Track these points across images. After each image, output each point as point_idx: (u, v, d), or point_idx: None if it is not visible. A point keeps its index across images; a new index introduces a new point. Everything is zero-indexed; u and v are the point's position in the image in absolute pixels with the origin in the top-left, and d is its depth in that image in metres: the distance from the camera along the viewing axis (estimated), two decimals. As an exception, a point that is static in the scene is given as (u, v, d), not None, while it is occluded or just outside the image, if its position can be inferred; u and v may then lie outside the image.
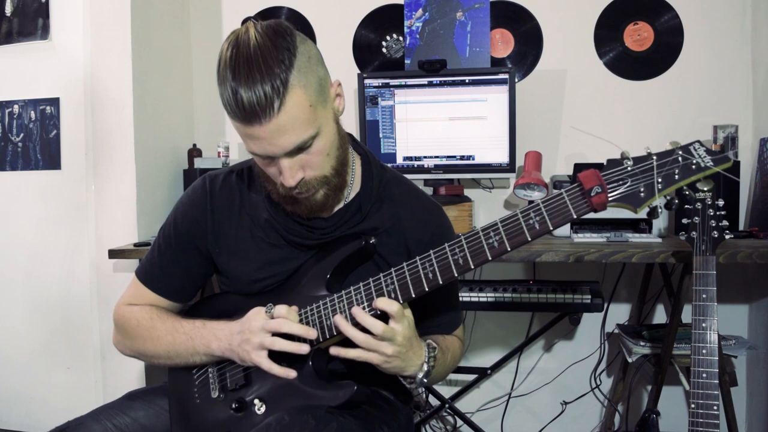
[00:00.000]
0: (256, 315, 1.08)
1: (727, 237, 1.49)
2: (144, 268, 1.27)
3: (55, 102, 2.36)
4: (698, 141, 0.95)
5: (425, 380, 1.10)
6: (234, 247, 1.20)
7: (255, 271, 1.19)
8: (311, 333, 1.06)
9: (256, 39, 0.97)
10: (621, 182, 0.94)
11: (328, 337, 1.09)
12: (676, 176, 0.93)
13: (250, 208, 1.20)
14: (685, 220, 1.51)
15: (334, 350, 1.04)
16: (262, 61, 0.95)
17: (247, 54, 0.96)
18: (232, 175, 1.24)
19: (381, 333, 1.01)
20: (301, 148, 1.01)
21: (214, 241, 1.21)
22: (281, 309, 1.07)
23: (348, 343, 1.05)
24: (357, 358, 1.03)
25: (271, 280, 1.19)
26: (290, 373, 1.07)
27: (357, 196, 1.17)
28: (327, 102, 1.04)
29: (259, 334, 1.06)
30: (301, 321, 1.10)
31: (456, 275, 1.02)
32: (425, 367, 1.09)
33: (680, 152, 0.93)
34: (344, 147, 1.11)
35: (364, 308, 1.05)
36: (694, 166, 0.93)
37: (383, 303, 1.02)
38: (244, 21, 1.02)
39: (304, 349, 1.05)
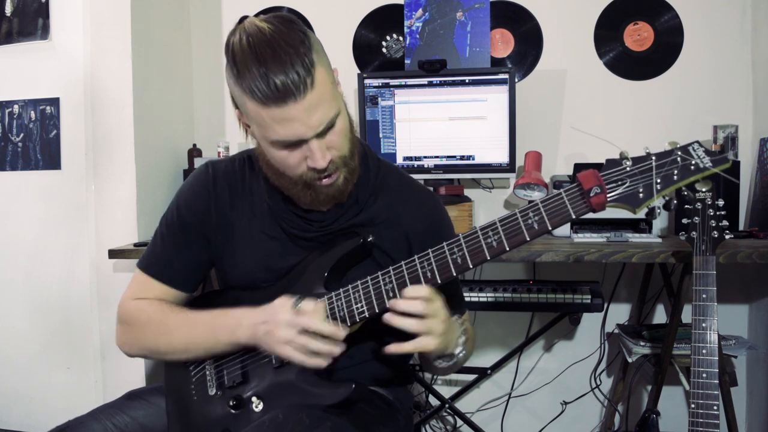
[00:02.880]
0: (282, 307, 1.05)
1: (727, 237, 1.49)
2: (147, 259, 1.24)
3: (55, 102, 2.36)
4: (697, 141, 0.95)
5: (462, 353, 1.09)
6: (233, 236, 1.20)
7: (252, 264, 1.19)
8: (340, 333, 1.04)
9: (268, 27, 0.98)
10: (620, 183, 0.94)
11: None
12: (675, 177, 0.93)
13: (250, 198, 1.20)
14: (685, 220, 1.51)
15: (394, 347, 1.02)
16: (284, 43, 0.96)
17: (266, 40, 0.96)
18: (234, 163, 1.23)
19: (428, 295, 1.00)
20: (328, 128, 1.02)
21: (217, 228, 1.20)
22: (309, 305, 1.05)
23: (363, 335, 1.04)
24: (415, 350, 1.02)
25: (267, 275, 1.19)
26: (322, 363, 1.05)
27: (354, 188, 1.17)
28: (336, 84, 1.06)
29: (286, 329, 1.03)
30: None
31: (455, 274, 1.02)
32: (461, 339, 1.09)
33: (679, 153, 0.93)
34: (354, 132, 1.13)
35: (364, 308, 1.05)
36: (693, 167, 0.93)
37: (413, 291, 1.01)
38: (241, 20, 1.02)
39: (336, 351, 1.04)
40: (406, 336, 1.28)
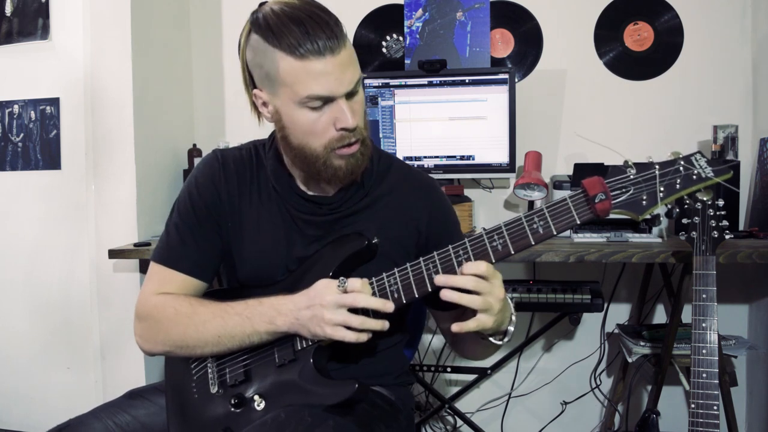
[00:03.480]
0: (327, 289, 1.05)
1: (727, 237, 1.49)
2: (163, 251, 1.21)
3: (55, 102, 2.36)
4: (699, 152, 0.97)
5: (512, 329, 1.09)
6: (242, 224, 1.20)
7: (260, 252, 1.19)
8: (388, 306, 1.03)
9: (296, 0, 1.06)
10: (624, 190, 0.96)
11: None
12: (678, 186, 0.95)
13: (257, 186, 1.21)
14: (685, 220, 1.51)
15: (456, 327, 1.01)
16: (316, 9, 1.05)
17: (299, 7, 1.05)
18: (241, 151, 1.25)
19: (485, 272, 0.99)
20: (354, 92, 1.09)
21: (227, 214, 1.21)
22: (356, 283, 1.05)
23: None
24: (476, 328, 1.01)
25: (275, 263, 1.19)
26: (385, 325, 1.04)
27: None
28: None
29: (335, 310, 1.03)
30: None
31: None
32: (513, 316, 1.09)
33: (682, 162, 0.95)
34: (367, 113, 1.17)
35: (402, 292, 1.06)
36: (695, 177, 0.95)
37: (472, 267, 1.00)
38: (260, 5, 1.09)
39: (386, 325, 1.04)
40: (401, 326, 1.30)
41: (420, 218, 1.22)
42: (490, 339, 1.09)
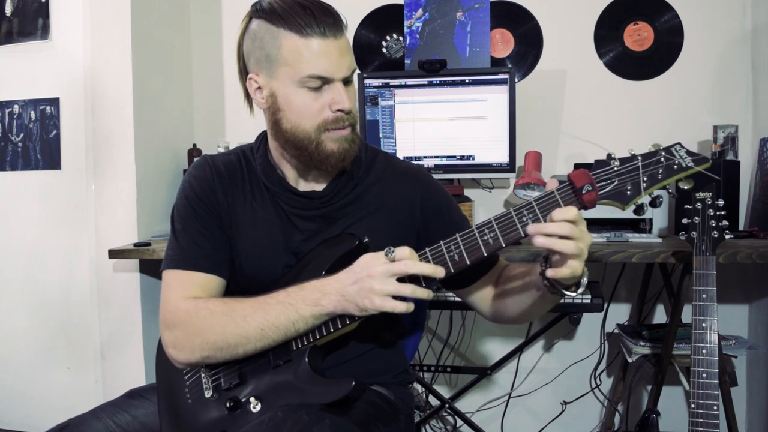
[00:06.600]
0: (375, 260, 1.03)
1: (727, 237, 1.49)
2: (177, 256, 1.18)
3: (55, 102, 2.36)
4: (679, 143, 1.00)
5: (586, 280, 1.05)
6: (238, 223, 1.21)
7: (256, 248, 1.19)
8: (439, 271, 1.02)
9: None
10: (609, 181, 0.98)
11: (324, 334, 1.09)
12: (660, 175, 0.98)
13: (249, 186, 1.22)
14: (685, 220, 1.51)
15: (552, 272, 0.98)
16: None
17: None
18: (230, 155, 1.26)
19: (574, 217, 0.96)
20: (350, 80, 1.13)
21: (226, 213, 1.21)
22: (404, 250, 1.03)
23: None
24: (570, 274, 0.97)
25: (273, 258, 1.19)
26: (430, 294, 1.03)
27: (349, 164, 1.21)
28: None
29: (384, 280, 1.01)
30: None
31: (452, 271, 1.03)
32: (585, 269, 1.05)
33: (663, 153, 0.98)
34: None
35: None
36: (675, 166, 0.98)
37: (562, 213, 0.96)
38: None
39: (431, 294, 1.04)
40: (397, 324, 1.31)
41: (414, 202, 1.24)
42: (565, 292, 1.04)
